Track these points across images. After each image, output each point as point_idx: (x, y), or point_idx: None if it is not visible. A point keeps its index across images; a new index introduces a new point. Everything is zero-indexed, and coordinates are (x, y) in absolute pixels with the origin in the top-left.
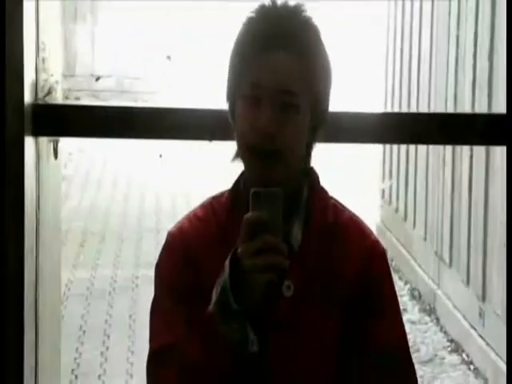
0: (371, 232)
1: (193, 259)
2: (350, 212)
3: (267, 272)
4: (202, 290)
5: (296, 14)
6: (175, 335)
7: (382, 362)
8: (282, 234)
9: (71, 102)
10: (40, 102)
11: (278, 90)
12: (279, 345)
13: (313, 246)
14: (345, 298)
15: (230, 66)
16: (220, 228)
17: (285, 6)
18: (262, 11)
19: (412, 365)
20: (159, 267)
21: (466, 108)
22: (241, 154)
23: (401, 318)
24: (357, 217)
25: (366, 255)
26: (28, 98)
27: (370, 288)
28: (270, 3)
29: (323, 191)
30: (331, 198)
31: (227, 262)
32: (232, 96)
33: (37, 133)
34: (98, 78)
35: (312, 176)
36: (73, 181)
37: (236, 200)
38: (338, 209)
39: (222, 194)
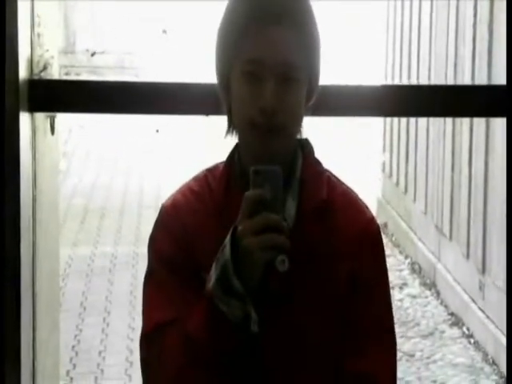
0: (366, 207)
1: (187, 233)
2: (344, 186)
3: (268, 251)
4: (196, 263)
5: None
6: (174, 309)
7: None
8: (282, 212)
9: (71, 77)
10: (35, 77)
11: (279, 65)
12: (276, 324)
13: (307, 222)
14: (340, 274)
15: (221, 41)
16: (214, 202)
17: None
18: None
19: (393, 347)
20: (153, 241)
21: (465, 78)
22: (240, 128)
23: (389, 301)
24: (351, 191)
25: (359, 233)
26: (23, 73)
27: (361, 268)
28: None
29: (318, 164)
30: (326, 170)
31: (227, 241)
32: (226, 70)
33: (32, 109)
34: (93, 54)
35: (306, 148)
36: (73, 157)
37: (231, 174)
38: (332, 182)
39: (216, 167)
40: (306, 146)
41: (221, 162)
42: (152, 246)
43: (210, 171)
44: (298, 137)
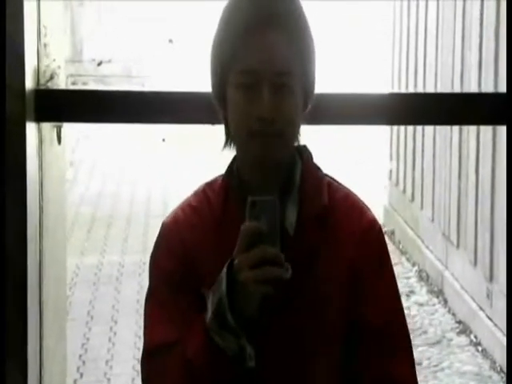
0: (367, 209)
1: (187, 249)
2: (346, 189)
3: (265, 285)
4: (197, 279)
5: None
6: (174, 329)
7: (376, 346)
8: (279, 244)
9: (78, 87)
10: (42, 87)
11: (273, 73)
12: (277, 330)
13: (308, 229)
14: (342, 277)
15: (215, 52)
16: (214, 216)
17: None
18: None
19: (409, 347)
20: (154, 258)
21: (472, 87)
22: (237, 139)
23: (399, 302)
24: (353, 194)
25: (361, 235)
26: (30, 83)
27: (366, 272)
28: None
29: (317, 169)
30: (326, 175)
31: (223, 274)
32: (221, 82)
33: (39, 118)
34: (99, 63)
35: (305, 154)
36: (80, 167)
37: (229, 186)
38: (333, 187)
39: (215, 180)
40: (304, 153)
41: (220, 175)
42: (153, 263)
43: (209, 185)
44: (296, 144)
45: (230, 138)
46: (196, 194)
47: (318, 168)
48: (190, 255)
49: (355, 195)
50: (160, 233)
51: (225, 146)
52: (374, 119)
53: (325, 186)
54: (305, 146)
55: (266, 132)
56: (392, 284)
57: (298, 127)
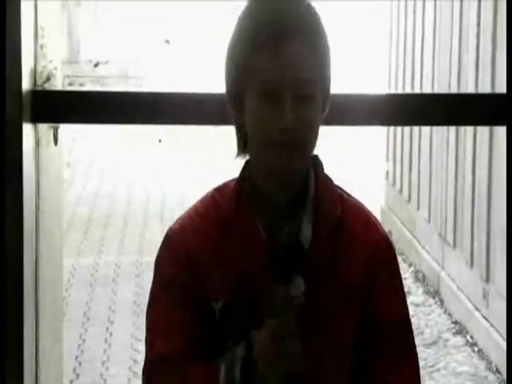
0: (378, 224)
1: (192, 255)
2: (355, 201)
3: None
4: (202, 285)
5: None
6: (177, 339)
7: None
8: (298, 337)
9: (75, 88)
10: (39, 88)
11: (296, 83)
12: None
13: (323, 242)
14: (356, 294)
15: (232, 58)
16: (222, 222)
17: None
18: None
19: (416, 355)
20: (159, 265)
21: (469, 88)
22: (255, 146)
23: (407, 312)
24: (363, 206)
25: (372, 251)
26: (27, 84)
27: (377, 285)
28: None
29: (329, 181)
30: (337, 186)
31: (238, 354)
32: (238, 89)
33: (36, 119)
34: (96, 64)
35: (318, 165)
36: (77, 167)
37: (242, 191)
38: (344, 199)
39: (225, 185)
40: (317, 163)
41: (229, 181)
42: (157, 270)
43: (218, 190)
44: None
45: (244, 143)
46: (203, 200)
47: (330, 179)
48: (195, 262)
49: (366, 208)
50: (164, 238)
51: (238, 153)
52: (374, 120)
53: (337, 197)
54: (317, 156)
55: (288, 142)
56: (402, 296)
57: (318, 135)
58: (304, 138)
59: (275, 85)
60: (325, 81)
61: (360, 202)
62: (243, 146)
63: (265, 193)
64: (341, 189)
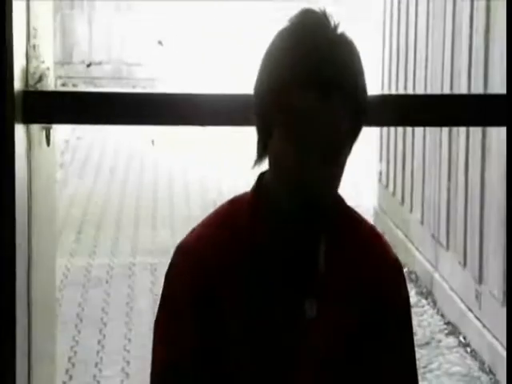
0: (390, 247)
1: (209, 273)
2: (367, 223)
3: None
4: (214, 306)
5: (344, 43)
6: (185, 352)
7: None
8: None
9: (68, 88)
10: (31, 89)
11: (327, 146)
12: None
13: (340, 265)
14: (365, 312)
15: (266, 87)
16: (236, 235)
17: (332, 31)
18: (308, 32)
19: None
20: (170, 279)
21: (462, 87)
22: (276, 174)
23: (412, 350)
24: (375, 228)
25: (385, 274)
26: (18, 85)
27: (385, 312)
28: (313, 20)
29: (344, 202)
30: (349, 207)
31: None
32: (268, 120)
33: (28, 120)
34: (89, 65)
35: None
36: (70, 168)
37: (260, 203)
38: (357, 221)
39: (241, 197)
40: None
41: (243, 194)
42: (167, 285)
43: (234, 202)
44: None
45: (262, 159)
46: (217, 212)
47: (343, 199)
48: (206, 279)
49: (377, 229)
50: (177, 252)
51: (255, 164)
52: (368, 121)
53: (351, 218)
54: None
55: (310, 201)
56: (409, 319)
57: (343, 173)
58: (326, 196)
59: (304, 139)
60: (358, 128)
61: (371, 224)
62: (261, 160)
63: (283, 210)
64: (352, 209)
